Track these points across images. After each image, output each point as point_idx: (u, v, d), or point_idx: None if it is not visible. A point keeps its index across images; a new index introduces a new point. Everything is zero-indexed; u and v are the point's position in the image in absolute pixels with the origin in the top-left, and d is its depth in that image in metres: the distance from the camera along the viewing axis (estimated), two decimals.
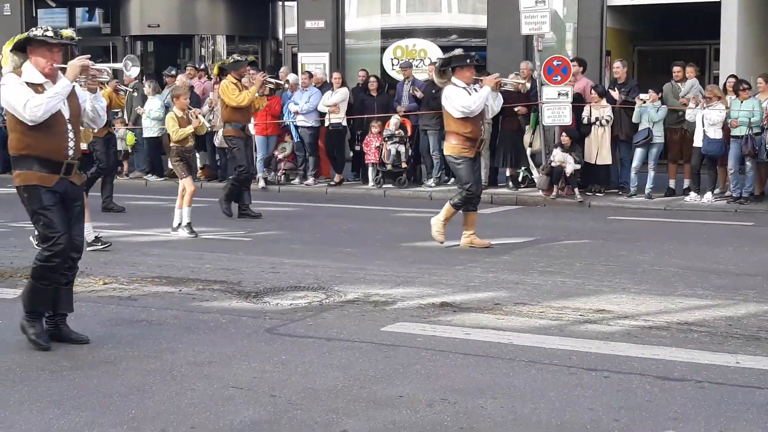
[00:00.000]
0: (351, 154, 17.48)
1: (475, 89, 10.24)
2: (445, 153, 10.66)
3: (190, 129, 11.35)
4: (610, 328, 6.84)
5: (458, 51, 10.47)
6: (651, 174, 14.61)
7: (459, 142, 10.23)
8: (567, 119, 14.77)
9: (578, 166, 14.56)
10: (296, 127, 16.82)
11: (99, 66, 6.50)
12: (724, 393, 5.40)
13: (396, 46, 19.97)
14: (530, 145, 15.53)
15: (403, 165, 16.20)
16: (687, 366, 5.89)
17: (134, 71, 7.17)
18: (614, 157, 15.09)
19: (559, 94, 14.71)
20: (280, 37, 24.12)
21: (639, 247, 10.27)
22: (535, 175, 15.31)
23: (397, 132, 16.14)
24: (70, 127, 6.28)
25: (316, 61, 19.62)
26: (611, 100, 14.83)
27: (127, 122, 17.93)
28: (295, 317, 7.20)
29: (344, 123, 16.76)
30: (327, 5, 19.86)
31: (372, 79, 16.97)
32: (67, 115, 6.26)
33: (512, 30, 16.27)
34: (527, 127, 15.52)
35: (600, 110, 14.72)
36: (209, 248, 10.30)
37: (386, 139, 16.15)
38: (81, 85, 6.54)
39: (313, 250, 10.28)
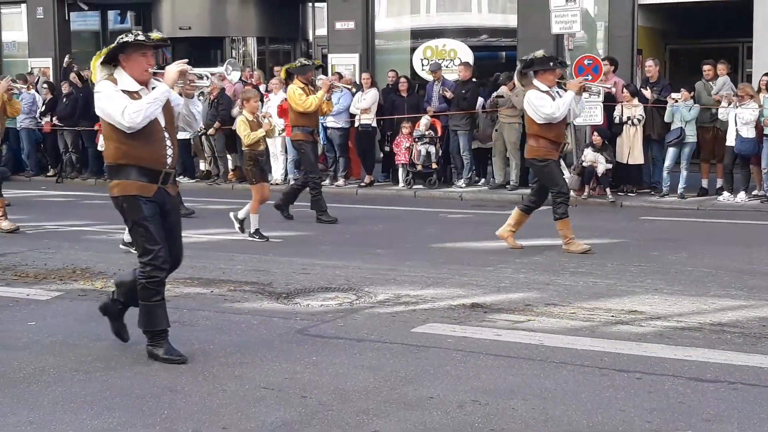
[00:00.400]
0: (381, 154, 17.50)
1: (557, 93, 10.00)
2: (527, 156, 10.38)
3: (261, 132, 11.11)
4: (643, 329, 6.79)
5: (540, 53, 10.05)
6: (683, 173, 14.50)
7: (542, 145, 9.96)
8: (598, 119, 14.69)
9: (610, 166, 14.49)
10: (326, 128, 16.86)
11: (197, 71, 6.32)
12: (757, 394, 5.35)
13: (426, 47, 19.96)
14: None
15: (434, 165, 16.19)
16: (720, 367, 5.84)
17: (235, 75, 6.83)
18: (646, 156, 14.99)
19: (590, 94, 14.62)
20: (311, 38, 24.20)
21: (671, 248, 10.19)
22: (567, 175, 15.24)
23: (427, 132, 16.13)
24: (167, 134, 6.09)
25: (346, 62, 19.65)
26: (643, 99, 14.74)
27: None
28: (325, 318, 7.21)
29: (374, 124, 16.77)
30: (357, 6, 19.90)
31: (402, 79, 16.97)
32: (163, 122, 6.07)
33: (542, 29, 16.21)
34: None
35: (632, 109, 14.64)
36: (240, 249, 10.35)
37: (416, 139, 16.15)
38: (177, 91, 6.36)
39: (343, 251, 10.30)
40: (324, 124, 16.87)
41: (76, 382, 5.71)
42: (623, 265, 9.32)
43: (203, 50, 23.86)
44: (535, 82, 9.95)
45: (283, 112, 15.42)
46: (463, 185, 16.11)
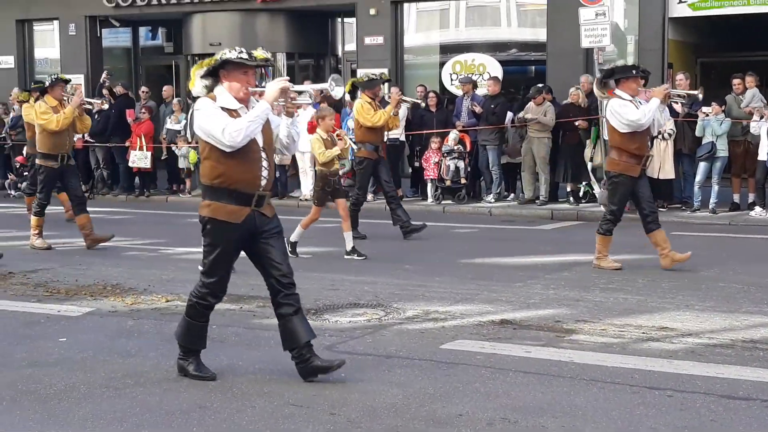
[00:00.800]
0: (410, 170, 17.48)
1: (640, 102, 9.73)
2: (606, 169, 10.09)
3: (336, 151, 10.86)
4: (674, 346, 6.73)
5: (621, 62, 9.94)
6: (715, 188, 14.38)
7: (624, 159, 9.72)
8: None
9: None
10: (355, 142, 16.84)
11: (299, 88, 6.16)
12: None
13: (455, 61, 19.97)
14: (591, 160, 15.40)
15: (462, 181, 16.17)
16: (752, 385, 5.78)
17: (339, 91, 6.60)
18: (677, 171, 14.88)
19: (676, 102, 14.53)
20: (340, 53, 24.26)
21: (703, 264, 10.10)
22: (597, 189, 15.17)
23: (456, 147, 16.12)
24: (264, 155, 5.92)
25: None
26: (674, 114, 14.65)
27: (189, 140, 18.16)
28: (354, 334, 7.21)
29: (402, 138, 16.77)
30: (386, 21, 19.94)
31: (431, 94, 16.97)
32: (261, 142, 5.89)
33: (572, 43, 16.17)
34: (588, 141, 15.40)
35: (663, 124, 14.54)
36: None
37: (445, 154, 16.14)
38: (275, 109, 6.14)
39: (372, 267, 10.29)
40: (353, 139, 16.88)
41: (106, 398, 5.74)
42: (654, 281, 9.25)
43: None
44: (617, 91, 9.70)
45: (312, 128, 15.46)
46: (492, 200, 16.07)
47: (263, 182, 5.93)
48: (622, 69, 9.85)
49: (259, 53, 5.90)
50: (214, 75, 5.91)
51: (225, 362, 6.46)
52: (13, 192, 18.94)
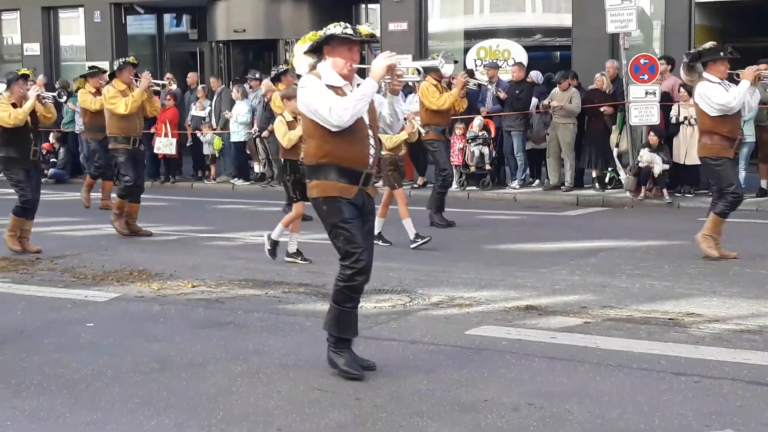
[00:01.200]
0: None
1: (729, 84, 9.48)
2: (700, 155, 9.90)
3: (403, 135, 10.63)
4: (700, 332, 6.69)
5: (709, 44, 9.54)
6: (742, 174, 14.23)
7: (716, 141, 9.50)
8: (655, 118, 14.51)
9: (666, 167, 14.30)
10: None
11: (407, 64, 5.96)
12: None
13: (479, 47, 19.89)
14: (617, 146, 15.32)
15: (487, 167, 16.11)
16: None
17: (448, 68, 6.32)
18: None
19: (646, 93, 14.47)
20: None
21: (729, 249, 10.02)
22: (622, 175, 15.09)
23: (480, 133, 16.06)
24: (371, 133, 5.75)
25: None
26: None
27: (214, 126, 18.20)
28: (379, 320, 7.21)
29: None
30: (410, 7, 19.89)
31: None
32: (367, 120, 5.73)
33: (597, 28, 16.05)
34: (614, 127, 15.31)
35: (689, 109, 14.41)
36: None
37: (470, 140, 16.09)
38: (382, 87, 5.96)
39: (396, 252, 10.29)
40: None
41: (132, 383, 5.78)
42: (680, 267, 9.19)
43: (257, 52, 24.04)
44: (705, 74, 9.46)
45: None
46: (517, 186, 16.02)
47: (370, 160, 5.75)
48: (709, 51, 9.51)
49: (364, 28, 5.75)
50: (318, 51, 5.74)
51: (250, 347, 6.49)
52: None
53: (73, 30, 24.61)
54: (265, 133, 17.09)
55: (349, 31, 5.62)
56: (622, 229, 11.79)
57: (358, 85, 5.72)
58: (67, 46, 24.80)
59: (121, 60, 12.03)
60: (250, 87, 18.11)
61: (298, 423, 5.03)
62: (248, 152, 18.16)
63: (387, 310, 7.57)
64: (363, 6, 23.56)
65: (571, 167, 15.58)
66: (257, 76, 18.30)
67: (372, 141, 5.75)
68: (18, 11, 24.64)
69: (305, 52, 5.78)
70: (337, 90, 5.62)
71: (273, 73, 15.92)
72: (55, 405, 5.38)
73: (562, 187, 15.63)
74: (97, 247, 10.79)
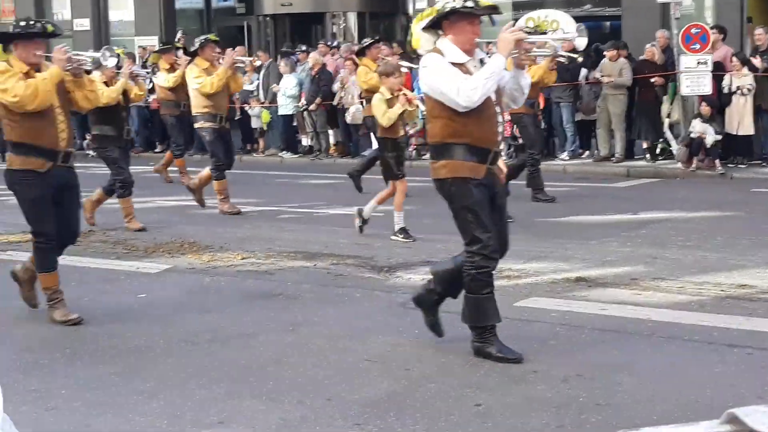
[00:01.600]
0: None
1: None
2: None
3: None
4: (753, 303, 6.60)
5: None
6: None
7: None
8: (707, 89, 14.28)
9: (719, 137, 14.08)
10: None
11: (534, 38, 5.66)
12: None
13: (527, 18, 19.63)
14: (668, 116, 15.11)
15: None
16: None
17: (581, 42, 5.93)
18: (757, 127, 14.52)
19: (698, 63, 14.23)
20: (410, 12, 24.11)
21: None
22: (674, 146, 14.89)
23: None
24: (498, 110, 5.54)
25: None
26: (753, 69, 14.27)
27: (262, 100, 18.25)
28: None
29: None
30: None
31: None
32: (494, 96, 5.47)
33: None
34: (665, 97, 15.10)
35: (741, 79, 14.18)
36: (343, 224, 10.40)
37: None
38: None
39: (444, 224, 10.16)
40: (424, 98, 16.79)
41: (184, 353, 5.84)
42: (733, 238, 9.06)
43: (305, 26, 24.03)
44: None
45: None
46: (567, 158, 15.87)
47: (499, 138, 5.56)
48: None
49: (485, 1, 5.48)
50: (437, 27, 5.50)
51: (300, 318, 6.53)
52: (92, 152, 19.24)
53: (121, 5, 24.79)
54: (312, 106, 17.12)
55: (470, 3, 5.36)
56: (674, 201, 11.65)
57: (481, 59, 5.51)
58: (116, 21, 25.00)
59: (202, 37, 11.72)
60: (298, 60, 18.11)
61: (348, 393, 5.05)
62: (296, 125, 18.20)
63: None
64: None
65: (621, 138, 15.39)
66: (304, 49, 18.29)
67: (500, 118, 5.54)
68: None
69: (423, 29, 5.53)
70: (460, 67, 5.36)
71: (356, 47, 15.67)
72: (109, 374, 5.46)
73: (612, 159, 15.46)
74: (149, 219, 10.89)
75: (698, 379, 5.12)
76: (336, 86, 16.87)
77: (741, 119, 14.22)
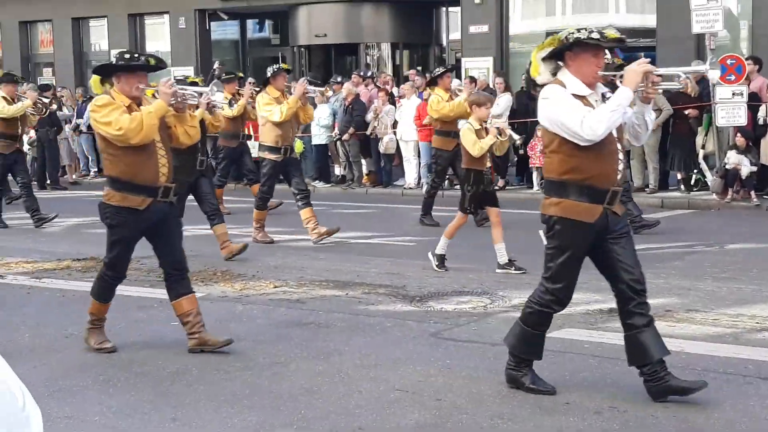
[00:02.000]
0: (515, 158, 17.35)
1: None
2: None
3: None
4: None
5: None
6: None
7: None
8: (742, 120, 14.20)
9: (754, 168, 13.98)
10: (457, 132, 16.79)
11: (663, 71, 5.37)
12: None
13: None
14: (703, 147, 15.03)
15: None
16: None
17: (714, 74, 5.66)
18: None
19: (733, 94, 14.16)
20: (444, 42, 24.22)
21: None
22: (709, 177, 14.80)
23: None
24: (619, 147, 5.30)
25: (479, 66, 19.58)
26: None
27: (296, 130, 18.34)
28: (459, 322, 7.20)
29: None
30: (491, 9, 19.81)
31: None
32: (615, 132, 5.23)
33: (683, 29, 15.78)
34: (699, 128, 15.02)
35: None
36: (375, 253, 10.43)
37: None
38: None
39: (477, 255, 10.24)
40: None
41: (216, 381, 5.86)
42: (766, 269, 8.97)
43: (339, 57, 24.21)
44: None
45: (419, 117, 15.48)
46: None
47: (618, 176, 5.30)
48: None
49: (611, 32, 5.29)
50: (559, 58, 5.31)
51: (332, 347, 6.53)
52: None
53: (158, 36, 25.12)
54: (345, 136, 17.20)
55: (596, 35, 5.16)
56: (708, 232, 11.56)
57: (603, 94, 5.36)
58: (152, 51, 25.30)
59: (274, 66, 11.47)
60: (333, 91, 18.17)
61: (379, 422, 5.05)
62: (329, 155, 18.28)
63: (467, 311, 7.55)
64: (443, 9, 23.57)
65: (654, 170, 15.33)
66: (339, 80, 18.40)
67: (621, 155, 5.32)
68: (105, 18, 25.23)
69: (544, 59, 5.33)
70: (582, 99, 5.19)
71: (428, 76, 15.51)
72: (142, 402, 5.49)
73: (646, 189, 15.39)
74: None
75: (732, 412, 5.06)
76: (369, 116, 16.95)
77: (766, 149, 14.12)
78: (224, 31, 25.52)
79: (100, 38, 25.86)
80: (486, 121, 9.29)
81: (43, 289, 8.82)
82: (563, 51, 5.24)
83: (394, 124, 16.97)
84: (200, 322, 6.59)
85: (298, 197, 11.24)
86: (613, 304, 7.49)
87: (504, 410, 5.19)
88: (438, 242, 9.45)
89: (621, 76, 5.28)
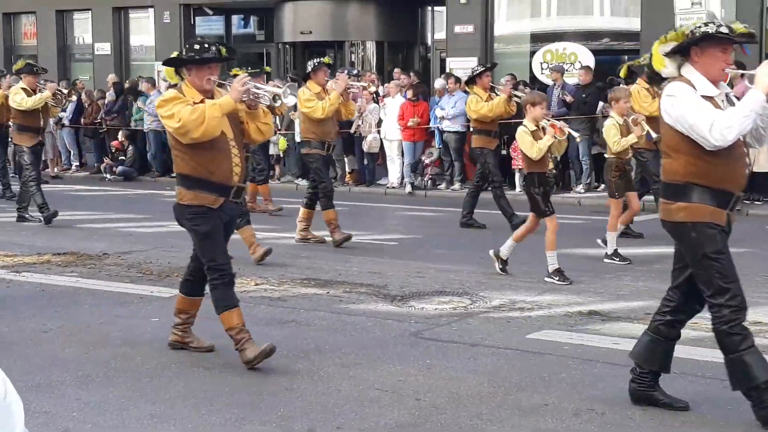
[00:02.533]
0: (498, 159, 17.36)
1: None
2: None
3: (632, 138, 9.81)
4: (767, 341, 6.56)
5: None
6: None
7: None
8: None
9: None
10: (441, 132, 16.82)
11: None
12: None
13: (546, 50, 19.74)
14: None
15: (552, 170, 15.94)
16: None
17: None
18: None
19: None
20: (429, 42, 24.24)
21: None
22: None
23: None
24: (745, 150, 5.11)
25: (464, 66, 19.60)
26: None
27: (279, 127, 18.34)
28: (440, 322, 7.21)
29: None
30: (476, 10, 19.83)
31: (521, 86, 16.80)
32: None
33: (666, 32, 15.82)
34: None
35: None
36: (356, 252, 10.43)
37: None
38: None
39: (458, 255, 10.27)
40: (440, 128, 16.86)
41: (195, 378, 5.85)
42: (748, 275, 8.93)
43: (323, 54, 24.17)
44: None
45: (402, 117, 15.48)
46: (582, 191, 15.87)
47: (744, 180, 5.13)
48: None
49: (740, 26, 5.00)
50: (684, 53, 5.05)
51: (312, 346, 6.53)
52: (108, 176, 19.39)
53: (143, 30, 25.01)
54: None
55: (725, 29, 4.90)
56: None
57: (726, 94, 5.16)
58: (136, 46, 25.21)
59: (315, 61, 11.21)
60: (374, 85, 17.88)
61: (358, 421, 5.05)
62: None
63: (448, 311, 7.56)
64: (428, 8, 23.59)
65: (636, 173, 15.38)
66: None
67: (747, 159, 5.14)
68: (89, 11, 25.11)
69: (668, 54, 5.07)
70: (710, 100, 4.97)
71: (466, 76, 15.42)
72: (120, 398, 5.47)
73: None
74: (163, 244, 10.94)
75: (710, 415, 5.09)
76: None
77: (757, 156, 14.18)
78: (209, 26, 25.42)
79: (84, 31, 25.73)
80: (541, 122, 9.00)
81: (22, 282, 8.77)
82: (690, 46, 4.99)
83: (379, 123, 16.98)
84: (191, 323, 6.55)
85: (322, 197, 10.94)
86: (594, 306, 7.58)
87: (483, 411, 5.20)
88: (504, 244, 9.22)
89: (750, 77, 5.07)
